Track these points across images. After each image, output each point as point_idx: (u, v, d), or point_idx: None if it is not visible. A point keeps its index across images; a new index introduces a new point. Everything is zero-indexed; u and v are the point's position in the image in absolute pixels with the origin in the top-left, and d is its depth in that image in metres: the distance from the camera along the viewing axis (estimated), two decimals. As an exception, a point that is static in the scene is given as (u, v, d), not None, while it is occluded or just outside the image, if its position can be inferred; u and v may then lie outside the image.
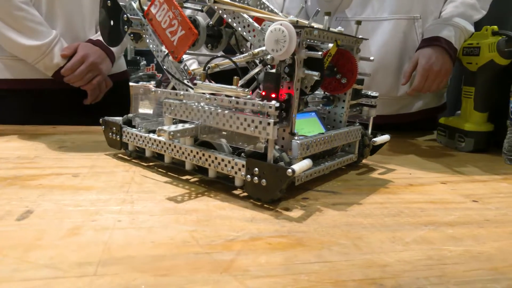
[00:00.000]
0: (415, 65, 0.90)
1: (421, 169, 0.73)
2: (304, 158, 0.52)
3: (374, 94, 0.73)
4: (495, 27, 0.85)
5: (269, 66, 0.54)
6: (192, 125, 0.54)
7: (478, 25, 0.94)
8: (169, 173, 0.62)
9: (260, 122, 0.48)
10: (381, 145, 0.74)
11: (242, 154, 0.54)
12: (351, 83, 0.64)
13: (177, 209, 0.48)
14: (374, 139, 0.70)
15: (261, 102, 0.48)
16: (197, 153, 0.56)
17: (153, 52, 0.67)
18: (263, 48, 0.54)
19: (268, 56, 0.52)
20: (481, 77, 0.86)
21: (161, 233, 0.41)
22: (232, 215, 0.47)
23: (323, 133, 0.59)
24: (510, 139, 0.79)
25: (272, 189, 0.49)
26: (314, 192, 0.57)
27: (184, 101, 0.57)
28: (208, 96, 0.52)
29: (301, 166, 0.47)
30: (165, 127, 0.51)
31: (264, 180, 0.49)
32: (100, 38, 0.98)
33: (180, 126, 0.53)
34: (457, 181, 0.66)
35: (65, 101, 1.03)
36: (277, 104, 0.47)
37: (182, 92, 0.55)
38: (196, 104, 0.55)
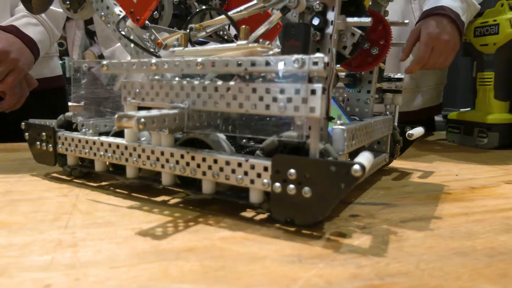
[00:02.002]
0: (417, 37, 0.74)
1: (464, 169, 0.57)
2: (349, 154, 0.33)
3: (399, 75, 0.56)
4: (513, 0, 0.73)
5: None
6: (175, 111, 0.34)
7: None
8: (133, 194, 0.41)
9: (297, 91, 0.29)
10: (413, 141, 0.57)
11: (257, 152, 0.34)
12: (385, 53, 0.47)
13: (160, 250, 0.27)
14: (410, 131, 0.52)
15: (298, 56, 0.28)
16: (182, 156, 0.35)
17: (101, 19, 0.46)
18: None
19: (290, -2, 0.34)
20: (501, 59, 0.73)
21: (140, 308, 0.20)
22: (260, 253, 0.27)
23: (362, 121, 0.41)
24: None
25: (322, 202, 0.29)
26: (360, 206, 0.38)
27: (156, 76, 0.36)
28: (200, 60, 0.32)
29: (369, 159, 0.28)
30: (132, 112, 0.30)
31: (307, 189, 0.29)
32: (15, 23, 0.73)
33: (155, 111, 0.32)
34: (522, 179, 0.51)
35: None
36: (326, 59, 0.28)
37: (154, 60, 0.34)
38: (178, 78, 0.35)
